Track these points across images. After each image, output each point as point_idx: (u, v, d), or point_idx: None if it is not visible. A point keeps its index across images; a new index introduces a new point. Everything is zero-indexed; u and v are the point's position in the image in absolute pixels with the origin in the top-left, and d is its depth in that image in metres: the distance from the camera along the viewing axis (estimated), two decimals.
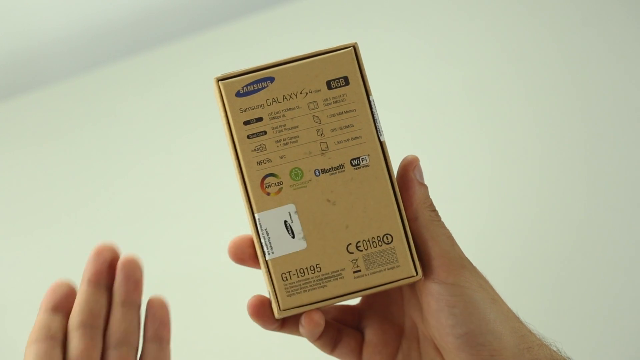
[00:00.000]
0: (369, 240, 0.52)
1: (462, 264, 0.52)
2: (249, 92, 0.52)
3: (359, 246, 0.52)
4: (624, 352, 0.93)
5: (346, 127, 0.52)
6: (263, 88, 0.52)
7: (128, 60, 1.23)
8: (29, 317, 0.99)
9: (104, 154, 1.14)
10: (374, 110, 0.53)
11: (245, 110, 0.52)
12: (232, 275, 1.01)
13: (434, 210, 0.53)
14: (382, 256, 0.52)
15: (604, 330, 0.95)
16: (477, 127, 1.12)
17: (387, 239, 0.52)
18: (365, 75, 0.53)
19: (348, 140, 0.52)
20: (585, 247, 1.00)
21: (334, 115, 0.52)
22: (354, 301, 0.61)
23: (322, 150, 0.52)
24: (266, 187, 0.52)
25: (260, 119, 0.52)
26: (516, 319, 0.53)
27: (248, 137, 0.52)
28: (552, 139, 1.09)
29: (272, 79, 0.52)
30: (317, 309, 0.53)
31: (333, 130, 0.52)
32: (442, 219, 0.54)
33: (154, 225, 1.06)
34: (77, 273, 1.02)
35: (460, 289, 0.51)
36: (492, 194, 1.06)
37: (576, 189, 1.05)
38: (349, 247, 0.52)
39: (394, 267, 0.52)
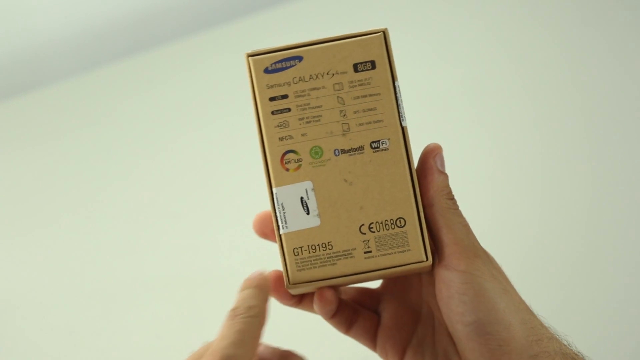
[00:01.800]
0: (382, 223, 0.53)
1: (475, 253, 0.53)
2: (277, 70, 0.53)
3: (372, 227, 0.53)
4: (630, 349, 0.93)
5: (369, 110, 0.53)
6: (291, 66, 0.53)
7: (128, 60, 1.23)
8: (29, 316, 0.99)
9: (104, 154, 1.14)
10: (398, 95, 0.54)
11: (271, 86, 0.53)
12: (232, 275, 1.01)
13: (452, 199, 0.54)
14: (393, 239, 0.53)
15: (608, 328, 0.95)
16: (477, 126, 1.12)
17: (400, 222, 0.53)
18: (393, 60, 0.54)
19: (370, 123, 0.53)
20: (586, 245, 1.00)
21: (358, 97, 0.53)
22: (374, 284, 0.62)
23: (344, 131, 0.53)
24: (286, 162, 0.53)
25: (285, 96, 0.53)
26: (528, 310, 0.53)
27: (272, 113, 0.53)
28: (552, 137, 1.09)
29: (300, 58, 0.53)
30: (331, 287, 0.54)
31: (356, 112, 0.53)
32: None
33: (153, 225, 1.06)
34: (77, 272, 1.02)
35: (471, 277, 0.52)
36: (492, 193, 1.06)
37: (576, 187, 1.05)
38: (362, 227, 0.53)
39: (405, 251, 0.53)
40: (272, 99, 0.53)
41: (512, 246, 1.01)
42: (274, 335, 0.95)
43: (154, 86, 1.20)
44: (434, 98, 1.15)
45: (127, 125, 1.17)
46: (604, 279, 0.98)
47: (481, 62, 1.18)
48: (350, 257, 0.53)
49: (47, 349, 0.96)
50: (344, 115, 0.53)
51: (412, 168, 0.53)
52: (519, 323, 0.52)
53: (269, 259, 1.02)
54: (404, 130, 0.53)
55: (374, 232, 0.53)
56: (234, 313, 0.49)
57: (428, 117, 1.13)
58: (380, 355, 0.59)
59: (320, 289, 0.54)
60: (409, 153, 0.53)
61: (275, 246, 1.06)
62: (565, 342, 0.54)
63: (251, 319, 0.48)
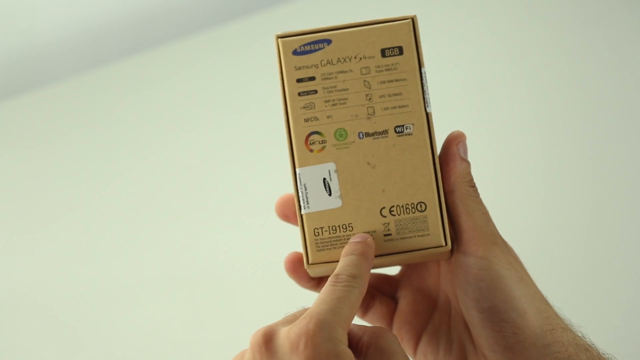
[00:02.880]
0: (402, 206, 0.53)
1: (493, 240, 0.53)
2: (305, 52, 0.54)
3: (393, 211, 0.53)
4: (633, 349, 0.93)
5: (395, 94, 0.54)
6: (319, 49, 0.54)
7: (128, 60, 1.23)
8: (28, 316, 0.99)
9: (104, 154, 1.14)
10: (424, 82, 0.54)
11: (299, 68, 0.54)
12: (231, 275, 1.01)
13: (473, 186, 0.54)
14: (413, 223, 0.53)
15: (609, 330, 0.95)
16: (477, 127, 1.12)
17: (421, 206, 0.53)
18: (420, 47, 0.55)
19: (395, 107, 0.54)
20: (587, 245, 1.00)
21: (384, 82, 0.54)
22: (393, 271, 0.62)
23: (369, 114, 0.54)
24: (310, 144, 0.53)
25: (312, 78, 0.54)
26: (543, 300, 0.54)
27: (299, 94, 0.54)
28: (553, 137, 1.09)
29: (329, 42, 0.54)
30: None
31: (382, 96, 0.54)
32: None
33: (153, 224, 1.06)
34: (78, 272, 1.02)
35: (488, 263, 0.52)
36: (493, 193, 1.05)
37: (577, 188, 1.05)
38: (383, 210, 0.53)
39: (424, 235, 0.53)
40: (299, 80, 0.54)
41: (513, 246, 1.01)
42: None
43: (154, 86, 1.20)
44: (435, 98, 1.15)
45: (127, 125, 1.17)
46: (605, 280, 0.98)
47: (481, 62, 1.18)
48: None
49: (46, 348, 0.96)
50: (370, 99, 0.54)
51: (435, 154, 0.54)
52: (534, 312, 0.52)
53: (268, 259, 1.02)
54: (428, 116, 0.54)
55: (394, 215, 0.53)
56: (336, 280, 0.49)
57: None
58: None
59: None
60: (433, 139, 0.54)
61: (276, 244, 1.05)
62: (579, 334, 0.54)
63: (351, 288, 0.48)
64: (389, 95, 0.53)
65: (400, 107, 0.53)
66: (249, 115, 1.16)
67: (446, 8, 1.24)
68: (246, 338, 0.95)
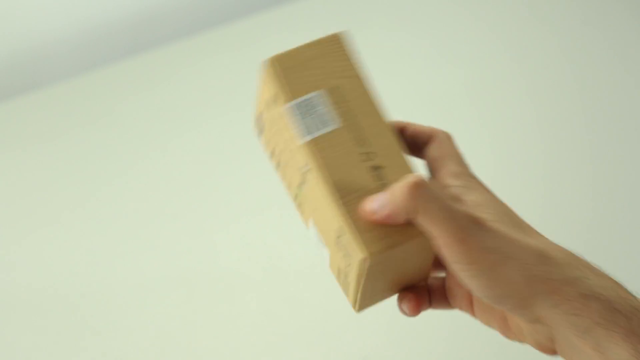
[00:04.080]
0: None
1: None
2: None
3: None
4: None
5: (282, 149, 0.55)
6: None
7: (128, 60, 1.23)
8: (28, 317, 0.99)
9: (103, 154, 1.14)
10: (294, 114, 0.53)
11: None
12: (231, 275, 1.01)
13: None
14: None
15: None
16: (478, 126, 1.12)
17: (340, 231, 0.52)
18: (284, 82, 0.53)
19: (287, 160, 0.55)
20: (588, 246, 1.00)
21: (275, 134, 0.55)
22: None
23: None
24: None
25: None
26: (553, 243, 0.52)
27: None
28: (553, 137, 1.09)
29: None
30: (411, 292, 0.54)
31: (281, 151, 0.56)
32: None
33: (152, 225, 1.06)
34: (76, 271, 1.02)
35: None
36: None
37: (578, 188, 1.05)
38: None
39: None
40: None
41: None
42: (271, 336, 0.95)
43: (154, 86, 1.20)
44: (435, 98, 1.15)
45: (126, 125, 1.17)
46: None
47: (482, 62, 1.18)
48: None
49: (45, 349, 0.96)
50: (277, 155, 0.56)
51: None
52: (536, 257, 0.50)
53: (268, 259, 1.02)
54: (308, 145, 0.52)
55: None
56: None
57: (429, 117, 1.13)
58: (458, 308, 0.58)
59: (403, 298, 0.54)
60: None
61: (276, 244, 1.05)
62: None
63: None
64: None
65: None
66: (249, 115, 1.15)
67: (446, 8, 1.24)
68: (245, 338, 0.95)
